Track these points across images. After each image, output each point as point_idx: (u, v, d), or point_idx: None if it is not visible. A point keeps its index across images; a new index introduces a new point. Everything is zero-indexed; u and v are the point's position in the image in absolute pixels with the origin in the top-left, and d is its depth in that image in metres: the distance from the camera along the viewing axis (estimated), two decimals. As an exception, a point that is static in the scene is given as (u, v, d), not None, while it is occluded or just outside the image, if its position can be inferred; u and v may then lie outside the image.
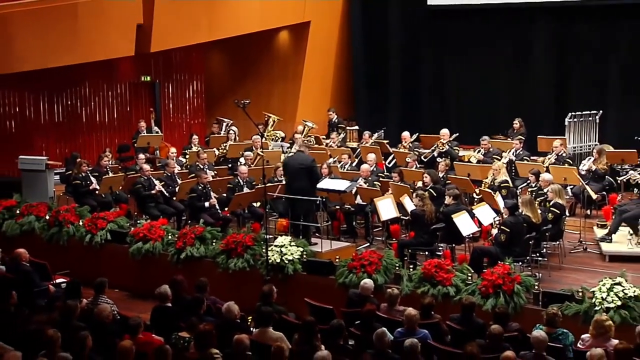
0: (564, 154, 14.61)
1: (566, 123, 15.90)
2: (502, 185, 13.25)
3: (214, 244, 11.85)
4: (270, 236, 11.73)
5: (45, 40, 15.56)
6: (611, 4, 17.35)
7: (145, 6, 16.82)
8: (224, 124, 18.06)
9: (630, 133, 15.67)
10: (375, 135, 17.06)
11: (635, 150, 14.58)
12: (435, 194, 12.63)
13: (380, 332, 7.77)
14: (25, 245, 11.40)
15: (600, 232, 12.90)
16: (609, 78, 17.55)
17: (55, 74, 16.84)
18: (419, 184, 13.34)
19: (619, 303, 9.09)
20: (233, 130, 17.51)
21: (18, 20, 15.41)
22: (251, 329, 8.69)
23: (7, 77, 16.09)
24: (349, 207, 13.44)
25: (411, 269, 10.66)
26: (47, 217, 13.30)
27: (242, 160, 15.36)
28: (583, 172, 14.02)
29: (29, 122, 17.39)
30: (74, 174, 14.28)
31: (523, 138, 15.62)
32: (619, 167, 14.56)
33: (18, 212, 13.61)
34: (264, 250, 11.19)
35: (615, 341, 7.92)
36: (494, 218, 11.84)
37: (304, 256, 11.19)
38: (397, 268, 10.65)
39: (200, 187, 13.47)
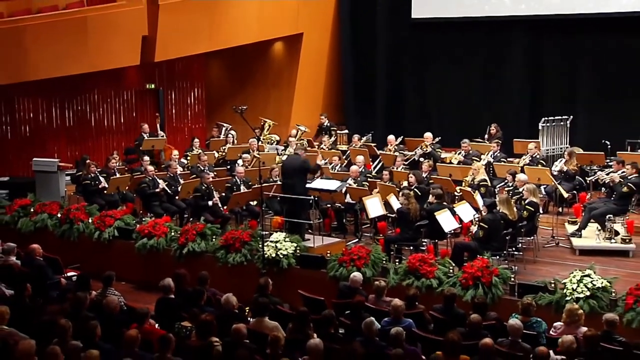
0: (538, 156, 14.63)
1: (540, 127, 15.94)
2: (480, 184, 13.33)
3: (213, 239, 11.86)
4: (266, 232, 11.71)
5: (57, 50, 15.57)
6: (580, 18, 17.39)
7: (150, 19, 16.82)
8: (224, 129, 18.04)
9: (598, 137, 15.74)
10: (364, 138, 17.07)
11: (602, 153, 14.63)
12: (419, 193, 12.65)
13: (368, 321, 7.78)
14: (39, 241, 11.36)
15: (571, 228, 12.93)
16: (579, 86, 17.60)
17: (67, 82, 16.83)
18: (405, 183, 13.36)
19: (588, 293, 9.14)
20: (231, 134, 17.52)
21: (32, 33, 15.41)
22: (248, 318, 8.68)
23: (22, 85, 16.11)
24: (340, 205, 13.43)
25: (397, 263, 10.67)
26: (59, 215, 13.27)
27: (239, 162, 15.35)
28: (555, 173, 14.06)
29: (42, 127, 17.34)
30: (84, 175, 14.26)
31: (500, 141, 15.65)
32: (588, 168, 14.61)
33: (32, 210, 13.57)
34: (260, 246, 11.17)
35: (584, 328, 7.96)
36: (474, 215, 11.85)
37: (298, 251, 11.19)
38: (384, 262, 10.67)
39: (203, 187, 13.46)
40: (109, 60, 16.52)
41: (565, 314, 8.25)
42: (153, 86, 19.25)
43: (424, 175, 13.73)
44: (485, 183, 13.39)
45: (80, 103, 18.02)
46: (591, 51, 17.42)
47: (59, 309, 8.53)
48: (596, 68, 17.37)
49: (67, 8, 17.08)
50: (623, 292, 9.17)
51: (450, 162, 15.15)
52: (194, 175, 14.52)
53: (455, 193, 13.54)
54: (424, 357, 7.50)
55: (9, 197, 14.67)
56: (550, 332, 8.30)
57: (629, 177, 12.59)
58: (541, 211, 12.70)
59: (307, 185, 12.59)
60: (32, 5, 17.17)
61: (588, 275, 9.30)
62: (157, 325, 8.32)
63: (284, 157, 14.84)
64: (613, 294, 9.18)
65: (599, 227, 12.28)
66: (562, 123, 16.31)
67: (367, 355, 7.13)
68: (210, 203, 13.32)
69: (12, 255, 10.69)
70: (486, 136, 16.83)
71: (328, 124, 18.80)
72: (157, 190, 13.75)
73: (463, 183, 13.57)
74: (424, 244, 11.80)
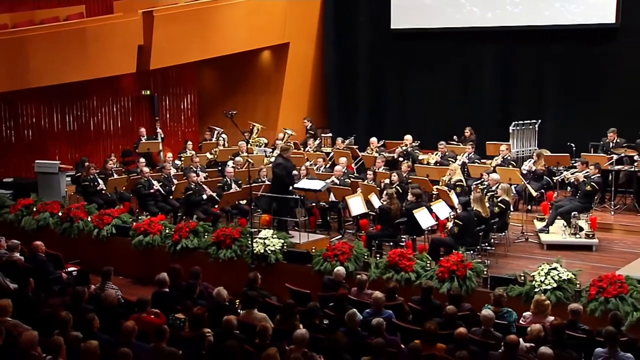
0: (509, 157, 14.70)
1: (510, 130, 15.97)
2: (456, 183, 13.37)
3: (205, 236, 11.83)
4: (255, 230, 11.72)
5: (58, 59, 15.52)
6: (547, 29, 17.46)
7: (145, 29, 16.77)
8: (216, 132, 17.98)
9: (564, 139, 15.80)
10: (347, 141, 17.10)
11: (568, 154, 14.72)
12: (401, 192, 12.69)
13: (351, 312, 7.79)
14: (41, 238, 11.33)
15: (539, 225, 13.02)
16: (546, 92, 17.65)
17: (67, 89, 16.75)
18: (387, 181, 13.38)
19: (555, 285, 9.20)
20: (223, 138, 17.48)
21: (34, 42, 15.36)
22: (239, 310, 8.68)
23: (25, 92, 16.05)
24: (324, 204, 13.45)
25: (378, 258, 10.69)
26: (60, 214, 13.22)
27: (230, 163, 15.32)
28: (525, 172, 14.14)
29: (44, 131, 17.26)
30: (83, 176, 14.21)
31: (473, 143, 15.69)
32: (555, 168, 14.69)
33: (35, 209, 13.52)
34: (249, 242, 11.17)
35: (551, 317, 8.02)
36: (450, 213, 11.89)
37: (285, 247, 11.19)
38: (365, 257, 10.68)
39: (192, 185, 13.45)
40: (107, 68, 16.47)
41: (534, 305, 8.30)
42: (148, 92, 19.18)
43: (403, 175, 13.79)
44: (461, 183, 13.45)
45: (80, 108, 17.94)
46: (557, 60, 17.48)
47: (60, 302, 8.50)
48: (562, 75, 17.42)
49: (67, 19, 17.10)
50: (587, 283, 9.24)
51: (428, 163, 15.19)
52: (186, 177, 14.49)
53: (433, 192, 13.57)
54: (403, 346, 7.52)
55: (13, 197, 14.59)
56: (520, 321, 8.34)
57: (592, 177, 12.68)
58: (512, 209, 12.76)
59: (295, 185, 12.63)
60: (35, 16, 17.16)
61: (555, 268, 9.36)
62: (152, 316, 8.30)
63: (272, 159, 14.82)
64: (578, 286, 9.25)
65: (565, 224, 12.39)
66: (530, 127, 16.37)
67: (350, 345, 7.14)
68: (204, 197, 13.30)
69: (16, 251, 10.66)
70: (462, 137, 16.87)
71: (310, 127, 18.78)
72: (152, 191, 13.74)
73: (440, 183, 13.61)
74: (403, 240, 11.83)
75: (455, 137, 16.89)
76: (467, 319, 8.17)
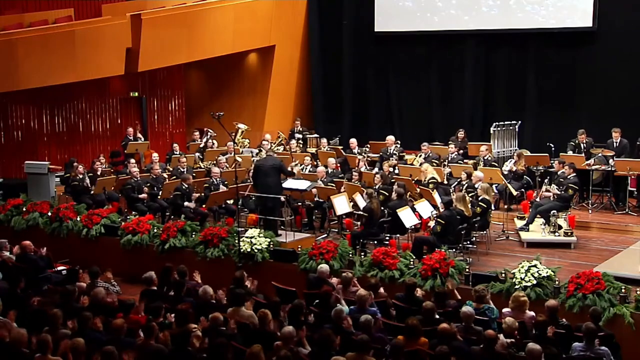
0: (490, 158, 14.75)
1: (491, 131, 16.05)
2: (429, 181, 13.37)
3: (193, 236, 11.79)
4: (242, 229, 11.69)
5: (48, 62, 15.45)
6: (527, 32, 17.55)
7: (133, 32, 16.72)
8: (208, 134, 17.87)
9: (543, 140, 15.89)
10: (331, 141, 17.08)
11: (547, 155, 14.80)
12: (387, 194, 12.68)
13: (337, 309, 7.80)
14: (31, 238, 11.28)
15: (519, 223, 13.08)
16: (526, 94, 17.73)
17: (56, 91, 16.68)
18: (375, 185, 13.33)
19: (535, 282, 9.24)
20: (213, 142, 17.36)
21: (24, 45, 15.28)
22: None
23: (15, 93, 15.96)
24: (310, 203, 13.45)
25: (362, 256, 10.70)
26: (49, 214, 13.14)
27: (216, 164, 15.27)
28: (505, 172, 14.19)
29: (34, 132, 17.16)
30: (72, 177, 14.15)
31: (453, 144, 15.71)
32: (535, 168, 14.76)
33: (24, 209, 13.43)
34: (236, 241, 11.16)
35: (531, 313, 8.06)
36: (432, 212, 11.93)
37: (271, 246, 11.18)
38: (350, 255, 10.68)
39: (184, 187, 13.41)
40: (96, 71, 16.40)
41: (512, 301, 8.34)
42: (136, 94, 19.12)
43: (387, 174, 13.81)
44: (434, 180, 13.43)
45: (69, 110, 17.85)
46: (536, 62, 17.56)
47: (50, 300, 8.46)
48: (540, 78, 17.49)
49: (56, 22, 17.00)
50: (565, 280, 9.29)
51: (412, 164, 15.20)
52: (174, 177, 14.45)
53: (414, 192, 13.52)
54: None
55: (2, 197, 14.53)
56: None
57: (568, 177, 12.76)
58: (493, 208, 12.81)
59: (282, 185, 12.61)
60: (24, 20, 17.06)
61: (535, 266, 9.40)
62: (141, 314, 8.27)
63: (257, 159, 14.79)
64: (557, 282, 9.29)
65: (545, 222, 12.43)
66: (511, 128, 16.45)
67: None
68: (186, 204, 13.28)
69: (6, 250, 10.60)
70: (453, 138, 16.76)
71: (299, 129, 18.74)
72: (142, 196, 13.73)
73: (413, 182, 13.54)
74: (387, 238, 11.84)
75: (452, 137, 16.84)
76: (451, 315, 8.18)
